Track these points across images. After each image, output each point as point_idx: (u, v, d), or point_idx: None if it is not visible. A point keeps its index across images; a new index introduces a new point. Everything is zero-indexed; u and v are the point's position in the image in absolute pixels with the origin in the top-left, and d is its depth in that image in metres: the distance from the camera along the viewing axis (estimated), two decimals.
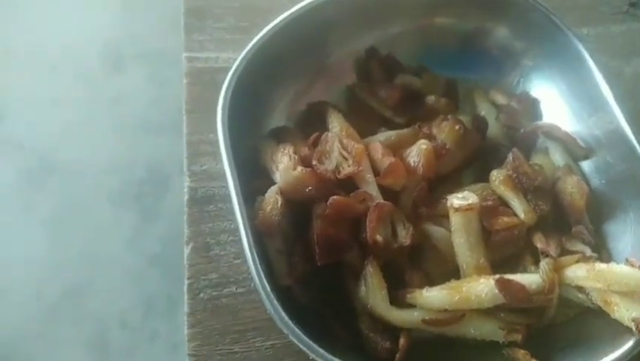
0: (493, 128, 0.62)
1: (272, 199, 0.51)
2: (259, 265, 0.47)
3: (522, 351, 0.49)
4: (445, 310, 0.49)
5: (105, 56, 1.50)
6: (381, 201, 0.52)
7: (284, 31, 0.57)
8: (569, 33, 0.59)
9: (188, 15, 0.71)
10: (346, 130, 0.56)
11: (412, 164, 0.55)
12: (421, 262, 0.54)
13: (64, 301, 1.24)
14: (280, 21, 0.57)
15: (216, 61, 0.67)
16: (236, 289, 0.56)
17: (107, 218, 1.33)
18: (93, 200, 1.34)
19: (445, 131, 0.57)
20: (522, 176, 0.55)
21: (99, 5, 1.57)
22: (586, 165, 0.60)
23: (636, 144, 0.54)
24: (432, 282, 0.51)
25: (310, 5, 0.58)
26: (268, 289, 0.46)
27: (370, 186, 0.53)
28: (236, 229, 0.49)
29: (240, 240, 0.48)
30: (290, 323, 0.44)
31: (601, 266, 0.49)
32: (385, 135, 0.58)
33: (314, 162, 0.53)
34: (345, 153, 0.53)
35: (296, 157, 0.53)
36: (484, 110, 0.64)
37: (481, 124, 0.61)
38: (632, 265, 0.49)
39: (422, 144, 0.55)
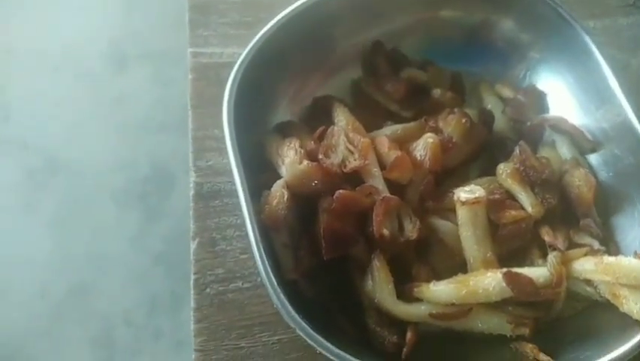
0: (500, 122, 0.62)
1: (278, 193, 0.51)
2: (266, 260, 0.46)
3: (530, 345, 0.49)
4: (452, 305, 0.49)
5: (108, 55, 1.50)
6: (388, 195, 0.52)
7: (288, 26, 0.57)
8: (575, 25, 0.58)
9: (193, 11, 0.70)
10: (352, 124, 0.56)
11: (419, 158, 0.55)
12: (427, 256, 0.53)
13: (69, 299, 1.25)
14: (284, 16, 0.57)
15: (221, 56, 0.67)
16: (242, 284, 0.56)
17: (111, 217, 1.33)
18: (97, 199, 1.35)
19: (451, 124, 0.57)
20: (529, 169, 0.55)
21: (102, 4, 1.56)
22: (593, 158, 0.59)
23: None
24: (439, 276, 0.51)
25: (314, 0, 0.58)
26: (275, 283, 0.45)
27: (377, 180, 0.53)
28: (243, 224, 0.48)
29: (246, 235, 0.48)
30: (297, 316, 0.44)
31: (609, 259, 0.49)
32: (391, 129, 0.58)
33: (320, 156, 0.53)
34: (351, 147, 0.53)
35: (302, 151, 0.53)
36: (491, 103, 0.63)
37: (487, 117, 0.61)
38: None
39: (428, 138, 0.55)
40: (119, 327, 1.23)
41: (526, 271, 0.49)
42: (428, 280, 0.50)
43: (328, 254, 0.49)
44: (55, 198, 1.34)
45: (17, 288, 1.25)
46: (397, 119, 0.60)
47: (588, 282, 0.50)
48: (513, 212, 0.53)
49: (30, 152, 1.39)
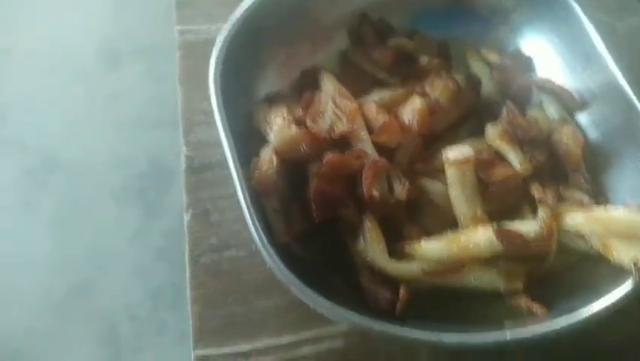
0: (487, 86, 0.62)
1: (267, 159, 0.51)
2: (257, 224, 0.47)
3: (524, 298, 0.49)
4: (444, 261, 0.49)
5: (102, 53, 1.51)
6: (377, 157, 0.52)
7: None
8: None
9: None
10: (339, 90, 0.56)
11: (407, 121, 0.55)
12: (418, 217, 0.53)
13: (71, 297, 1.25)
14: None
15: (207, 32, 0.68)
16: (237, 252, 0.56)
17: (110, 213, 1.34)
18: (96, 196, 1.35)
19: (438, 88, 0.57)
20: (517, 128, 0.55)
21: (93, 2, 1.57)
22: (582, 118, 0.60)
23: (631, 94, 0.53)
24: (430, 236, 0.51)
25: None
26: (267, 243, 0.46)
27: (365, 144, 0.53)
28: (235, 195, 0.49)
29: (239, 204, 0.48)
30: (290, 273, 0.44)
31: (599, 211, 0.50)
32: (379, 95, 0.58)
33: (308, 122, 0.53)
34: (338, 112, 0.54)
35: (290, 118, 0.53)
36: (477, 68, 0.63)
37: (474, 82, 0.61)
38: (630, 209, 0.49)
39: (416, 101, 0.55)
40: (122, 323, 1.23)
41: (516, 225, 0.50)
42: (420, 240, 0.51)
43: (319, 216, 0.49)
44: (55, 196, 1.35)
45: (18, 288, 1.25)
46: (385, 86, 0.60)
47: (579, 235, 0.51)
48: (501, 169, 0.53)
49: (28, 152, 1.40)
